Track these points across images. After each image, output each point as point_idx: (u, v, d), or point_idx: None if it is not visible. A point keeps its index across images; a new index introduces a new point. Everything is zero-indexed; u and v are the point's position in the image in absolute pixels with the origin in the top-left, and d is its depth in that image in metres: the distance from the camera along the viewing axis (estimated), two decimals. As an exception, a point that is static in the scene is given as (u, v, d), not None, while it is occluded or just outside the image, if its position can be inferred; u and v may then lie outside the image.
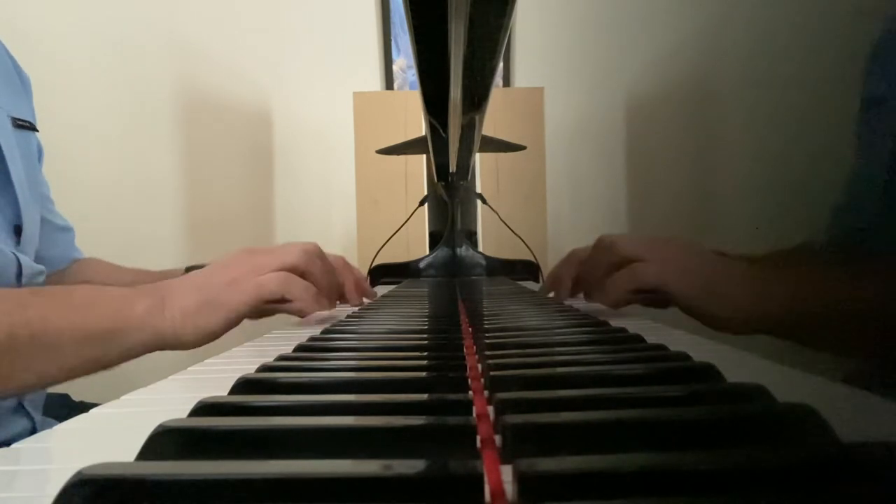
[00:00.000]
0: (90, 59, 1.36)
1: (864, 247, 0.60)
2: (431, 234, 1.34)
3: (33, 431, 0.66)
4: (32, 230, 0.70)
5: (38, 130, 0.76)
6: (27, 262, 0.67)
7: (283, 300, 0.55)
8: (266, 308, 0.57)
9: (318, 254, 0.59)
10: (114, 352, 0.48)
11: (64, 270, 0.82)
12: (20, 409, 0.66)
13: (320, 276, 0.58)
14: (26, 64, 0.79)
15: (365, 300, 0.75)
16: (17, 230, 0.67)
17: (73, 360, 0.46)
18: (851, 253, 0.59)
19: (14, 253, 0.65)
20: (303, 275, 0.55)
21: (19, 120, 0.71)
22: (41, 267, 0.70)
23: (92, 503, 0.16)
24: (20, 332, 0.43)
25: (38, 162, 0.77)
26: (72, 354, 0.46)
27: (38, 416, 0.69)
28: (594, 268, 0.58)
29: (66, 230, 0.83)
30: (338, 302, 0.69)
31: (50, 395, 0.75)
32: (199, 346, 0.51)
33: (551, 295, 0.70)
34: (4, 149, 0.66)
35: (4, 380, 0.44)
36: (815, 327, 0.50)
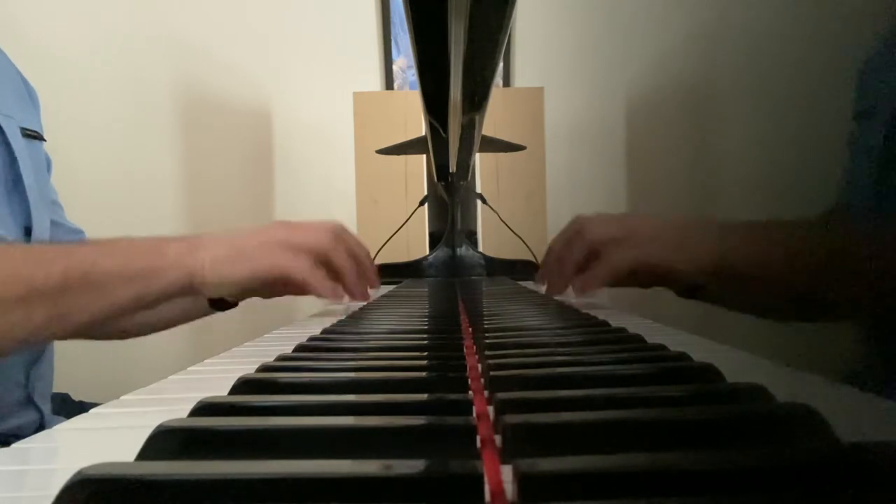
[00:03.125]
0: (90, 58, 1.36)
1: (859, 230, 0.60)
2: (431, 234, 1.34)
3: (41, 423, 0.68)
4: (41, 233, 0.73)
5: (45, 140, 0.78)
6: None
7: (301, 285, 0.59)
8: (281, 290, 0.61)
9: (345, 235, 0.62)
10: (153, 290, 0.53)
11: None
12: (29, 401, 0.68)
13: (342, 262, 0.61)
14: (25, 66, 0.80)
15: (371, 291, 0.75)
16: (27, 232, 0.70)
17: (118, 298, 0.51)
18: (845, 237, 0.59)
19: None
20: (327, 260, 0.59)
21: (28, 130, 0.74)
22: None
23: (92, 503, 0.16)
24: (73, 274, 0.49)
25: (48, 172, 0.81)
26: (117, 292, 0.51)
27: (45, 409, 0.70)
28: (568, 262, 0.60)
29: (77, 233, 0.86)
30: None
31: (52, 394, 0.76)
32: (220, 294, 0.57)
33: (544, 287, 0.71)
34: (17, 155, 0.69)
35: (63, 318, 0.49)
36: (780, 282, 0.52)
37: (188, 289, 0.55)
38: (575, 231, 0.60)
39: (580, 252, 0.58)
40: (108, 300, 0.51)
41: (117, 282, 0.51)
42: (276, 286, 0.60)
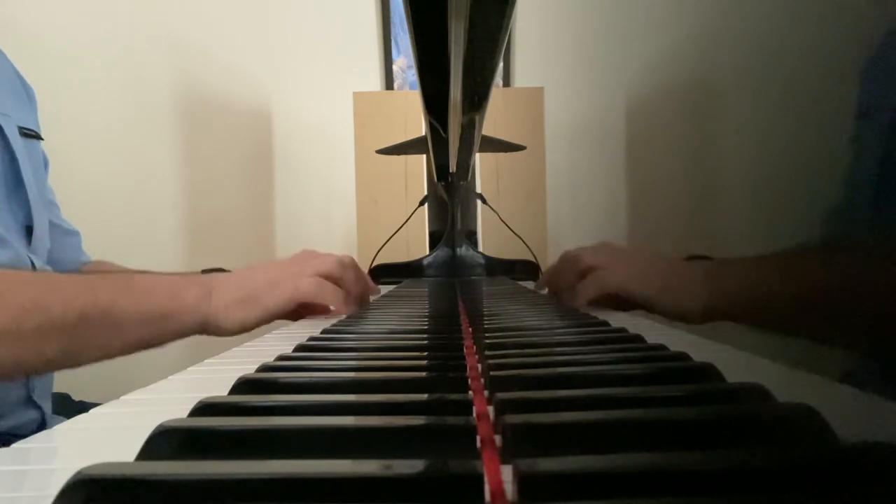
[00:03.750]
0: (89, 58, 1.36)
1: (857, 248, 0.60)
2: (431, 234, 1.34)
3: (42, 422, 0.68)
4: (42, 232, 0.73)
5: (42, 139, 0.78)
6: (40, 263, 0.69)
7: (315, 303, 0.62)
8: (301, 310, 0.63)
9: (352, 265, 0.66)
10: (167, 332, 0.54)
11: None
12: (29, 400, 0.68)
13: (352, 284, 0.64)
14: (24, 65, 0.80)
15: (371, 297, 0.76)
16: (28, 231, 0.71)
17: (133, 339, 0.52)
18: (842, 253, 0.60)
19: (28, 255, 0.68)
20: (336, 282, 0.62)
21: (26, 129, 0.74)
22: (51, 270, 0.72)
23: (92, 503, 0.16)
24: (91, 312, 0.49)
25: (45, 171, 0.81)
26: (133, 333, 0.52)
27: (46, 408, 0.70)
28: (562, 277, 0.66)
29: (73, 234, 0.86)
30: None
31: (52, 393, 0.75)
32: (235, 334, 0.57)
33: (545, 291, 0.75)
34: (16, 153, 0.69)
35: (77, 354, 0.49)
36: (769, 312, 0.54)
37: (201, 331, 0.56)
38: (575, 255, 0.65)
39: (572, 272, 0.63)
40: (123, 339, 0.51)
41: (134, 322, 0.51)
42: (292, 314, 0.63)
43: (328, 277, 0.61)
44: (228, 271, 0.76)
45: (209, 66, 1.83)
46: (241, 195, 1.98)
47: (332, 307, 0.63)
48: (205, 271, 0.78)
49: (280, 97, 2.19)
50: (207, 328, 0.56)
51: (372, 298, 0.76)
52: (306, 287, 0.59)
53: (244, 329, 0.58)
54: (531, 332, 0.45)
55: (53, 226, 0.80)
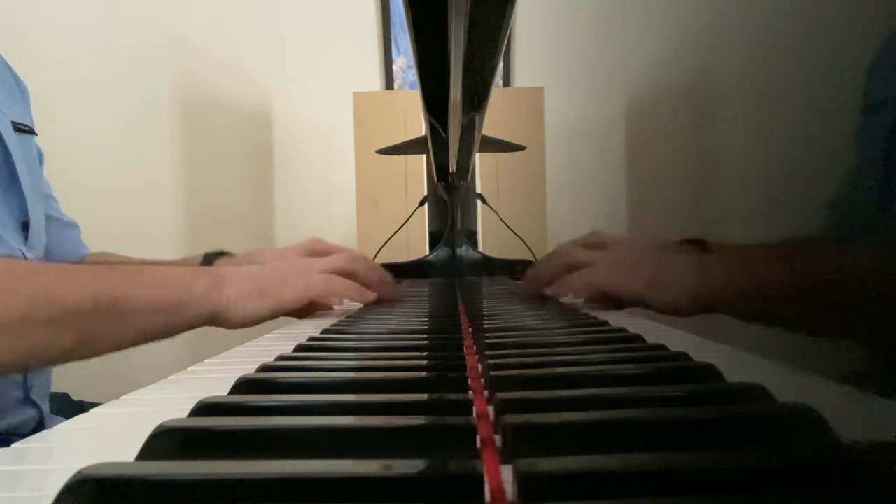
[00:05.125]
0: (90, 59, 1.36)
1: (860, 241, 0.60)
2: (431, 234, 1.34)
3: (40, 421, 0.68)
4: (38, 227, 0.74)
5: (36, 134, 0.78)
6: (35, 259, 0.69)
7: (326, 299, 0.64)
8: (310, 307, 0.64)
9: (364, 259, 0.68)
10: (178, 322, 0.54)
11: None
12: (27, 399, 0.68)
13: (365, 273, 0.66)
14: (26, 65, 0.80)
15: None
16: (25, 227, 0.71)
17: (145, 328, 0.52)
18: (844, 246, 0.60)
19: (22, 251, 0.68)
20: (348, 276, 0.63)
21: (19, 124, 0.74)
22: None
23: (92, 503, 0.16)
24: (104, 301, 0.49)
25: (40, 165, 0.81)
26: (144, 322, 0.52)
27: (44, 407, 0.70)
28: (549, 269, 0.65)
29: (73, 227, 0.86)
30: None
31: (51, 393, 0.75)
32: (244, 327, 0.58)
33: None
34: (10, 148, 0.69)
35: (90, 344, 0.49)
36: (759, 306, 0.53)
37: (211, 322, 0.57)
38: (564, 250, 0.65)
39: (560, 265, 0.63)
40: (135, 329, 0.52)
41: (146, 312, 0.52)
42: (300, 311, 0.63)
43: (340, 273, 0.62)
44: (233, 255, 0.77)
45: (209, 66, 1.83)
46: (241, 195, 1.98)
47: (349, 300, 0.64)
48: (207, 254, 0.78)
49: (280, 97, 2.19)
50: (217, 319, 0.57)
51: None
52: (317, 284, 0.61)
53: (254, 322, 0.59)
54: (531, 332, 0.45)
55: (52, 219, 0.80)
